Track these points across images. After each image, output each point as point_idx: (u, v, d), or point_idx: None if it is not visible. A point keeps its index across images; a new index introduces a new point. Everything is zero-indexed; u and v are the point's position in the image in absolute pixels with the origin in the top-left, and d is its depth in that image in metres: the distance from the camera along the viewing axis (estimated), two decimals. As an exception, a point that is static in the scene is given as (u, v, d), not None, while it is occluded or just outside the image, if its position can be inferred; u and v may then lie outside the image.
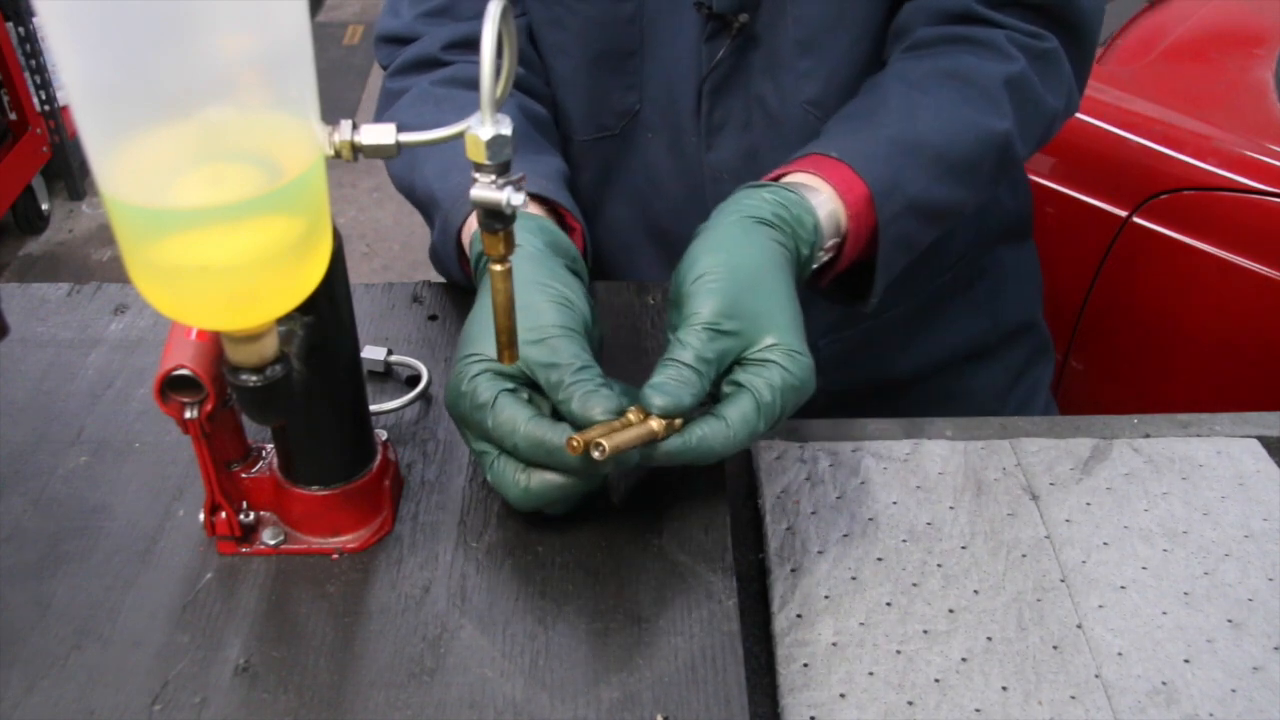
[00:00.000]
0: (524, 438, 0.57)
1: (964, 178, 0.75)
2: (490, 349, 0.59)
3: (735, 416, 0.58)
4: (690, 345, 0.59)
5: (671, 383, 0.58)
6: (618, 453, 0.56)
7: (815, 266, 0.68)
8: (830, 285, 0.74)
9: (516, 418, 0.58)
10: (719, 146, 0.86)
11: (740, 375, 0.60)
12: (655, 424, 0.57)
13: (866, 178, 0.70)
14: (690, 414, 0.59)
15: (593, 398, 0.57)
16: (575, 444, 0.55)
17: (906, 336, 0.97)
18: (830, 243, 0.68)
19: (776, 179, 0.71)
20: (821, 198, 0.68)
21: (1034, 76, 0.78)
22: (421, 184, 0.78)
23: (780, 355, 0.59)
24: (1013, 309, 1.03)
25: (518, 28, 0.86)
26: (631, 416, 0.57)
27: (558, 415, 0.59)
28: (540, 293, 0.62)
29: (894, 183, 0.71)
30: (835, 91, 0.82)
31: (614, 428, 0.57)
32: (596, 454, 0.55)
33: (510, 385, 0.59)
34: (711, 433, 0.58)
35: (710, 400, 0.61)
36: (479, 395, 0.58)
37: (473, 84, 0.87)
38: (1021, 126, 0.77)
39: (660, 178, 0.89)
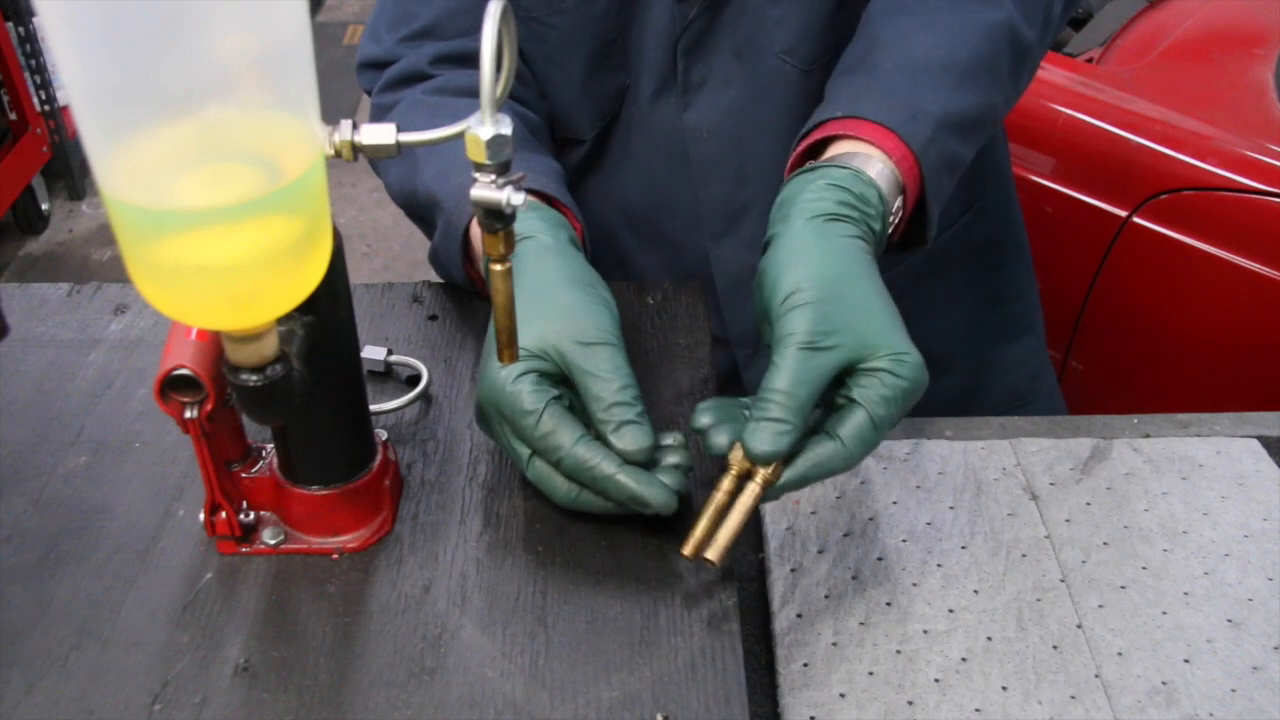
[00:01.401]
0: (570, 457, 0.58)
1: (983, 78, 0.72)
2: (528, 342, 0.59)
3: (851, 435, 0.56)
4: (786, 369, 0.56)
5: (768, 427, 0.55)
6: (728, 548, 0.57)
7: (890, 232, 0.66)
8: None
9: (564, 435, 0.58)
10: (697, 105, 0.85)
11: (852, 389, 0.57)
12: (760, 479, 0.56)
13: (885, 120, 0.67)
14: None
15: (630, 432, 0.57)
16: (688, 554, 0.57)
17: (914, 296, 0.95)
18: (896, 204, 0.66)
19: (812, 153, 0.68)
20: (875, 164, 0.65)
21: None
22: (423, 187, 0.78)
23: (888, 362, 0.57)
24: (1031, 286, 1.02)
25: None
26: (734, 466, 0.57)
27: (585, 415, 0.60)
28: (582, 290, 0.62)
29: (912, 110, 0.68)
30: (810, 37, 0.81)
31: (719, 506, 0.57)
32: (709, 565, 0.57)
33: (556, 393, 0.59)
34: (828, 456, 0.57)
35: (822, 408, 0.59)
36: (523, 401, 0.58)
37: (464, 92, 0.87)
38: (1022, 8, 0.74)
39: (641, 148, 0.89)
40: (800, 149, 0.69)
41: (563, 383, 0.61)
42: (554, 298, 0.62)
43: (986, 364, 1.00)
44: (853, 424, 0.57)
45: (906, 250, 0.73)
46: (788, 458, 0.57)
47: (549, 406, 0.58)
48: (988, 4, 0.73)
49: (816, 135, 0.68)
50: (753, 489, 0.56)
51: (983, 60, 0.71)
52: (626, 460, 0.58)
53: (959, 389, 0.99)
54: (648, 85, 0.86)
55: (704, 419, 0.59)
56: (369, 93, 0.89)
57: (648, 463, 0.59)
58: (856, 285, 0.59)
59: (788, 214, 0.63)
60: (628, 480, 0.57)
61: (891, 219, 0.66)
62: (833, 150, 0.67)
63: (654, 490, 0.58)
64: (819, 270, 0.59)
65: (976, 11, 0.73)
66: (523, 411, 0.58)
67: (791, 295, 0.58)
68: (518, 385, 0.59)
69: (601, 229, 0.93)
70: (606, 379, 0.59)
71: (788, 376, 0.56)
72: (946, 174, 0.70)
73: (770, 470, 0.56)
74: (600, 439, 0.59)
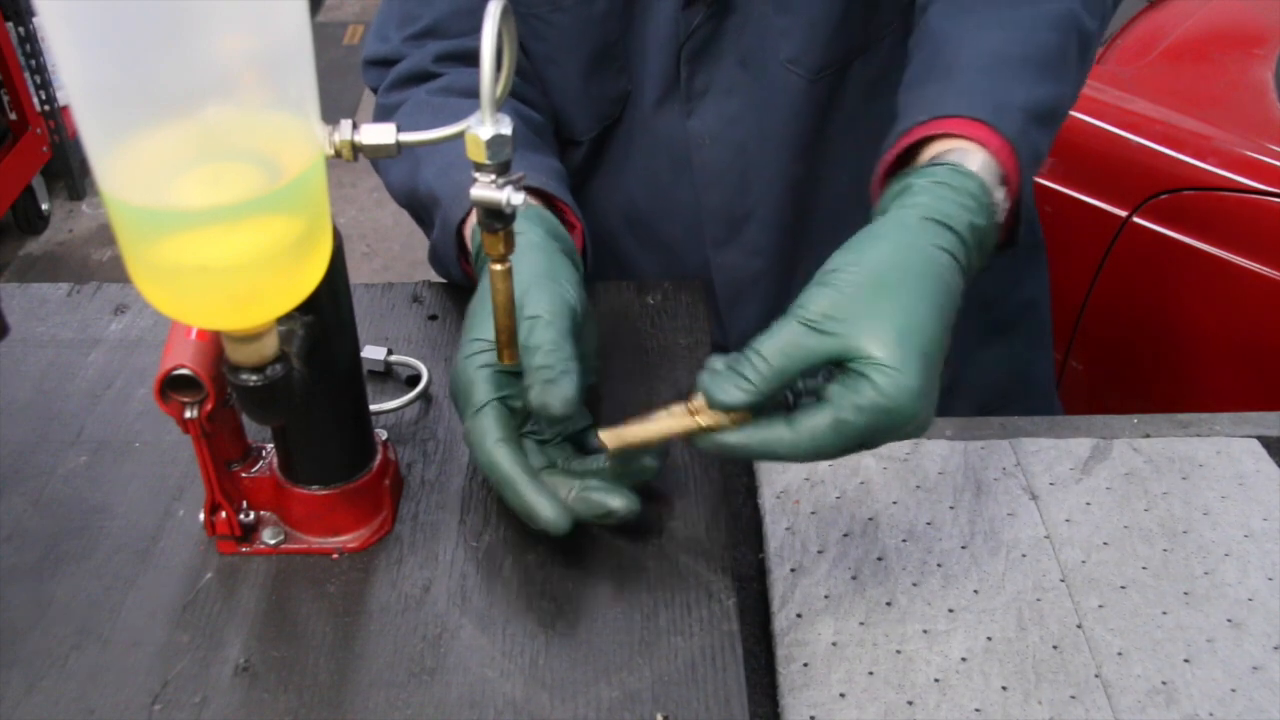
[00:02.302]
0: (485, 455, 0.58)
1: (1056, 70, 0.68)
2: (485, 333, 0.60)
3: (806, 429, 0.54)
4: (775, 335, 0.54)
5: (730, 378, 0.54)
6: (628, 446, 0.56)
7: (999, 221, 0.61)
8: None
9: (489, 434, 0.58)
10: (701, 112, 0.85)
11: (833, 384, 0.54)
12: (701, 419, 0.55)
13: (974, 114, 0.62)
14: (764, 409, 0.55)
15: (551, 389, 0.56)
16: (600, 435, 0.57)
17: None
18: (999, 194, 0.61)
19: (901, 162, 0.64)
20: (976, 157, 0.61)
21: None
22: (423, 185, 0.78)
23: (877, 371, 0.52)
24: (1025, 284, 1.02)
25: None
26: (692, 399, 0.56)
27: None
28: (541, 277, 0.62)
29: (998, 103, 0.63)
30: (815, 47, 0.81)
31: (654, 419, 0.56)
32: (606, 451, 0.56)
33: (508, 392, 0.59)
34: (772, 439, 0.54)
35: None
36: (474, 393, 0.59)
37: (468, 92, 0.87)
38: None
39: (644, 153, 0.89)
40: (888, 161, 0.65)
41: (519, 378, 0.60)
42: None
43: (958, 366, 0.99)
44: (813, 419, 0.54)
45: (998, 254, 0.66)
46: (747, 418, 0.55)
47: (490, 404, 0.59)
48: None
49: (904, 143, 0.64)
50: (686, 420, 0.56)
51: (1054, 51, 0.68)
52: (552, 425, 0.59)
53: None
54: (651, 91, 0.86)
55: (716, 363, 0.57)
56: (375, 90, 0.90)
57: (626, 462, 0.59)
58: (899, 285, 0.55)
59: (886, 207, 0.59)
60: (525, 491, 0.57)
61: (998, 205, 0.61)
62: (929, 152, 0.63)
63: (549, 509, 0.57)
64: (869, 257, 0.56)
65: (1039, 3, 0.70)
66: (469, 403, 0.59)
67: (828, 272, 0.56)
68: (476, 375, 0.60)
69: (603, 231, 0.93)
70: (534, 348, 0.58)
71: (772, 343, 0.54)
72: (1034, 167, 0.65)
73: (713, 417, 0.55)
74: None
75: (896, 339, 0.53)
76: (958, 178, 0.58)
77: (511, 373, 0.60)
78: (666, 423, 0.56)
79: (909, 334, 0.53)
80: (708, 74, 0.84)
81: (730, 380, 0.54)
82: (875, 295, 0.54)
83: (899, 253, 0.56)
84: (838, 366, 0.54)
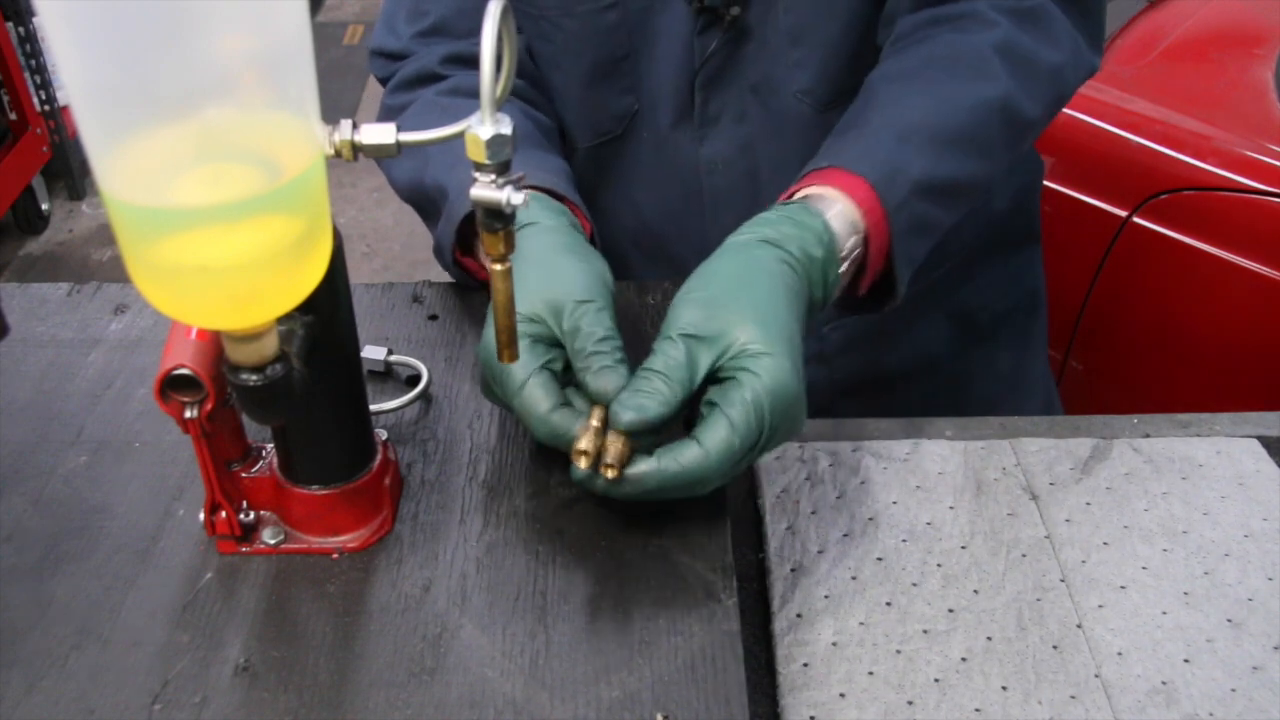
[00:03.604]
0: (544, 424, 0.60)
1: (970, 149, 0.73)
2: (523, 308, 0.61)
3: (709, 436, 0.57)
4: (658, 355, 0.59)
5: (638, 394, 0.58)
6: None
7: (843, 268, 0.67)
8: (867, 292, 0.73)
9: (542, 404, 0.60)
10: (714, 139, 0.86)
11: (714, 392, 0.59)
12: (614, 442, 0.58)
13: (863, 172, 0.69)
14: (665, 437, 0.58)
15: (607, 375, 0.59)
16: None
17: (908, 320, 0.96)
18: (850, 241, 0.67)
19: (788, 199, 0.70)
20: (829, 202, 0.67)
21: (1022, 36, 0.77)
22: (431, 179, 0.79)
23: (750, 361, 0.58)
24: (1024, 283, 1.02)
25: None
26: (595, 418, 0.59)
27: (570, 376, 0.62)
28: (574, 257, 0.64)
29: (893, 169, 0.69)
30: (828, 80, 0.82)
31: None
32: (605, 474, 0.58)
33: (548, 357, 0.61)
34: (687, 457, 0.57)
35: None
36: (513, 367, 0.60)
37: (476, 93, 0.89)
38: (1021, 86, 0.75)
39: (654, 176, 0.90)
40: (783, 200, 0.70)
41: (556, 345, 0.62)
42: (546, 264, 0.64)
43: (945, 375, 0.99)
44: (710, 420, 0.57)
45: (879, 307, 0.74)
46: (648, 455, 0.58)
47: (534, 375, 0.60)
48: (985, 78, 0.75)
49: (794, 188, 0.70)
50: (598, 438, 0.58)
51: (973, 132, 0.74)
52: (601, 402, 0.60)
53: (919, 400, 0.98)
54: (665, 115, 0.86)
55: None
56: (382, 81, 0.90)
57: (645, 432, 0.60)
58: (750, 285, 0.61)
59: (731, 238, 0.65)
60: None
61: (843, 257, 0.66)
62: (800, 194, 0.69)
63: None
64: (720, 267, 0.62)
65: (972, 84, 0.74)
66: (509, 378, 0.60)
67: (685, 294, 0.61)
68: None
69: (609, 245, 0.93)
70: (588, 332, 0.60)
71: (658, 360, 0.58)
72: (920, 236, 0.72)
73: (619, 441, 0.57)
74: (583, 389, 0.60)
75: (762, 326, 0.59)
76: (802, 214, 0.65)
77: (541, 338, 0.61)
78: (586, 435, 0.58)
79: (771, 320, 0.59)
80: (720, 100, 0.85)
81: (638, 397, 0.58)
82: (735, 297, 0.60)
83: (743, 263, 0.62)
84: (714, 382, 0.59)
